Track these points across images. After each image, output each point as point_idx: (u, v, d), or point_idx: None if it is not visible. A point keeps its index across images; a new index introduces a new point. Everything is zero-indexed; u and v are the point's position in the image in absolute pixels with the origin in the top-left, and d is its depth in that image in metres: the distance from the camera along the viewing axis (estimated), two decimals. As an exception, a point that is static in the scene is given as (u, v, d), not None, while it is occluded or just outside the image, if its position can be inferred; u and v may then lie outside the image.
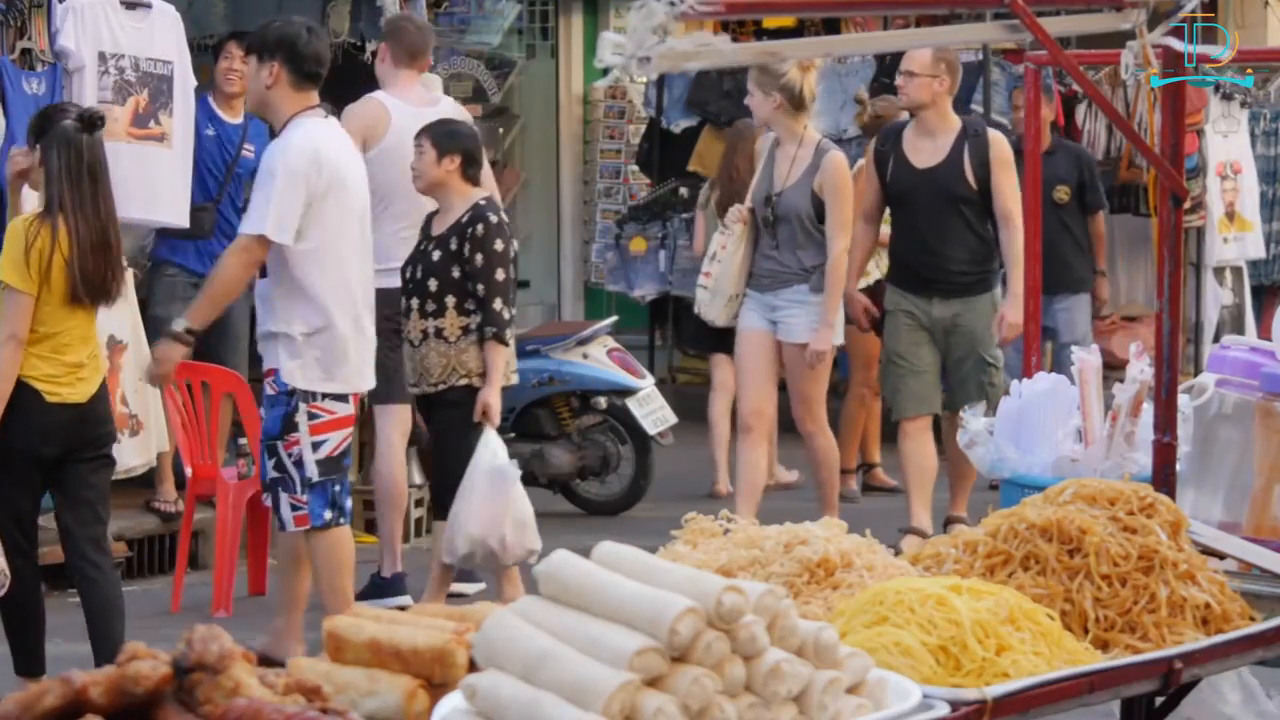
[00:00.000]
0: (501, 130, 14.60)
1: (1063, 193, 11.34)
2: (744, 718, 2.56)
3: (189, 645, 2.50)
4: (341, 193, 6.89)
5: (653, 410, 10.24)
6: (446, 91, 10.71)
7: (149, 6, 8.77)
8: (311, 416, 6.81)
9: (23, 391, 6.39)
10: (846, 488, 11.13)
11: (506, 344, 7.55)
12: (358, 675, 2.71)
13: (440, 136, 7.62)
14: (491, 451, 7.42)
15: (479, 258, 7.48)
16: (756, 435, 8.64)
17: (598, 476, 10.47)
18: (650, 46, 3.29)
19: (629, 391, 10.26)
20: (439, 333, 7.52)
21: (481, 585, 8.56)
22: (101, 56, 8.54)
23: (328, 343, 6.83)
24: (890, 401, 9.30)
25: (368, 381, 7.04)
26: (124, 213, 8.77)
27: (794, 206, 8.52)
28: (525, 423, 10.24)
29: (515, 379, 7.82)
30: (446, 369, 7.51)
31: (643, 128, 14.29)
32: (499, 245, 7.51)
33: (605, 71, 3.36)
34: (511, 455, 10.19)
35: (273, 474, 6.92)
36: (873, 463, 11.52)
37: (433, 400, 7.60)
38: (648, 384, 10.32)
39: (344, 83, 10.61)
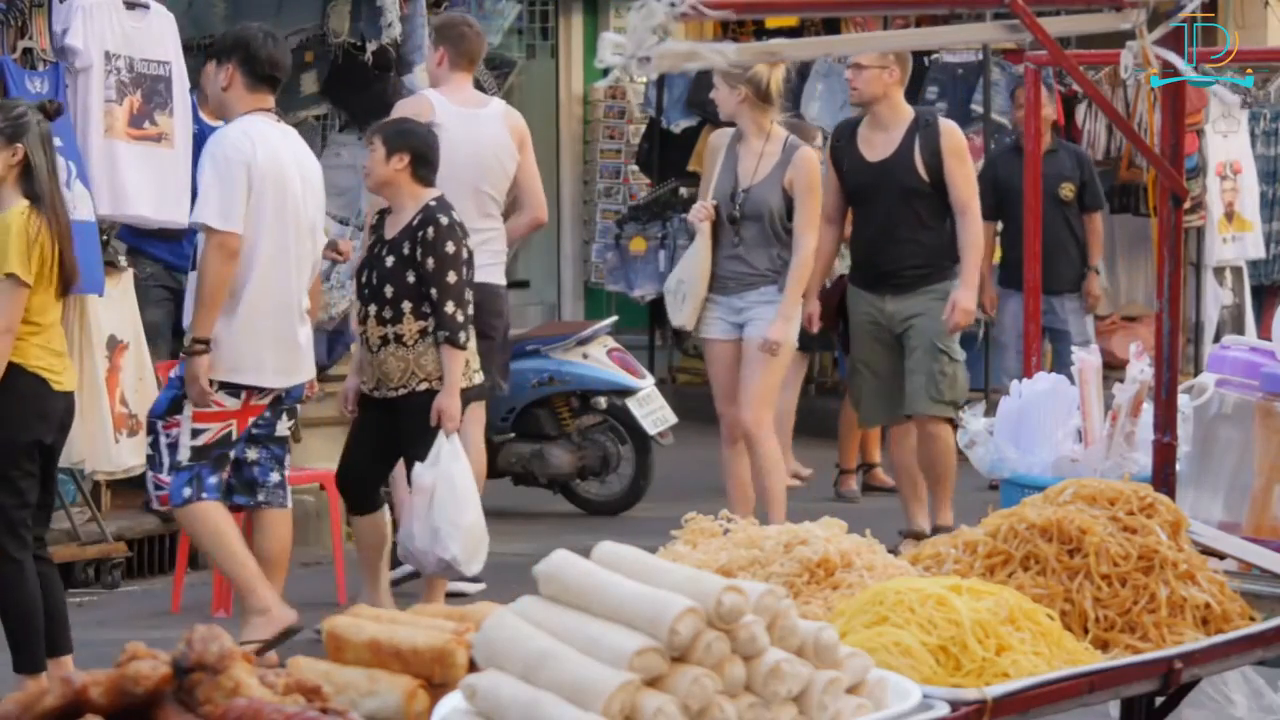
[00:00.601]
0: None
1: (1068, 190, 11.34)
2: (744, 718, 2.56)
3: (189, 645, 2.49)
4: (279, 194, 6.95)
5: (653, 410, 10.24)
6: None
7: (147, 7, 8.78)
8: (197, 404, 6.88)
9: (32, 380, 6.44)
10: (846, 488, 11.15)
11: (462, 347, 7.50)
12: (358, 675, 2.71)
13: (390, 134, 7.59)
14: (432, 456, 7.39)
15: (430, 261, 7.43)
16: (743, 447, 8.45)
17: (598, 476, 10.47)
18: (650, 46, 3.29)
19: (629, 391, 10.25)
20: (398, 338, 7.47)
21: (482, 585, 8.57)
22: (107, 56, 8.54)
23: (233, 336, 6.88)
24: (855, 408, 9.15)
25: (277, 380, 7.02)
26: (127, 211, 8.82)
27: (764, 203, 8.30)
28: (525, 423, 10.24)
29: (478, 378, 7.79)
30: (405, 373, 7.48)
31: (643, 128, 14.29)
32: (450, 248, 7.47)
33: (605, 71, 3.36)
34: (511, 455, 10.31)
35: (148, 451, 7.08)
36: (872, 463, 11.53)
37: (395, 405, 7.54)
38: (648, 384, 10.31)
39: (344, 82, 10.63)
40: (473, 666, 2.66)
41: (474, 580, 8.53)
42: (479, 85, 9.34)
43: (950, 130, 8.68)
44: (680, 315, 8.56)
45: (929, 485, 8.80)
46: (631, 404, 10.21)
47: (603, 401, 10.26)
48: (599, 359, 10.30)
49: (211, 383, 6.90)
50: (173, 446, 6.93)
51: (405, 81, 10.36)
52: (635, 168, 14.68)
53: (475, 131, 8.43)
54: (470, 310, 7.60)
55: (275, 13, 10.65)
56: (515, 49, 14.84)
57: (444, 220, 7.48)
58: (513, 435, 10.26)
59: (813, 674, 2.62)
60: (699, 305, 8.45)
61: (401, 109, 8.42)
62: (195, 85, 9.19)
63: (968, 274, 8.56)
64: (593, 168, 15.38)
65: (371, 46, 10.25)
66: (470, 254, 7.64)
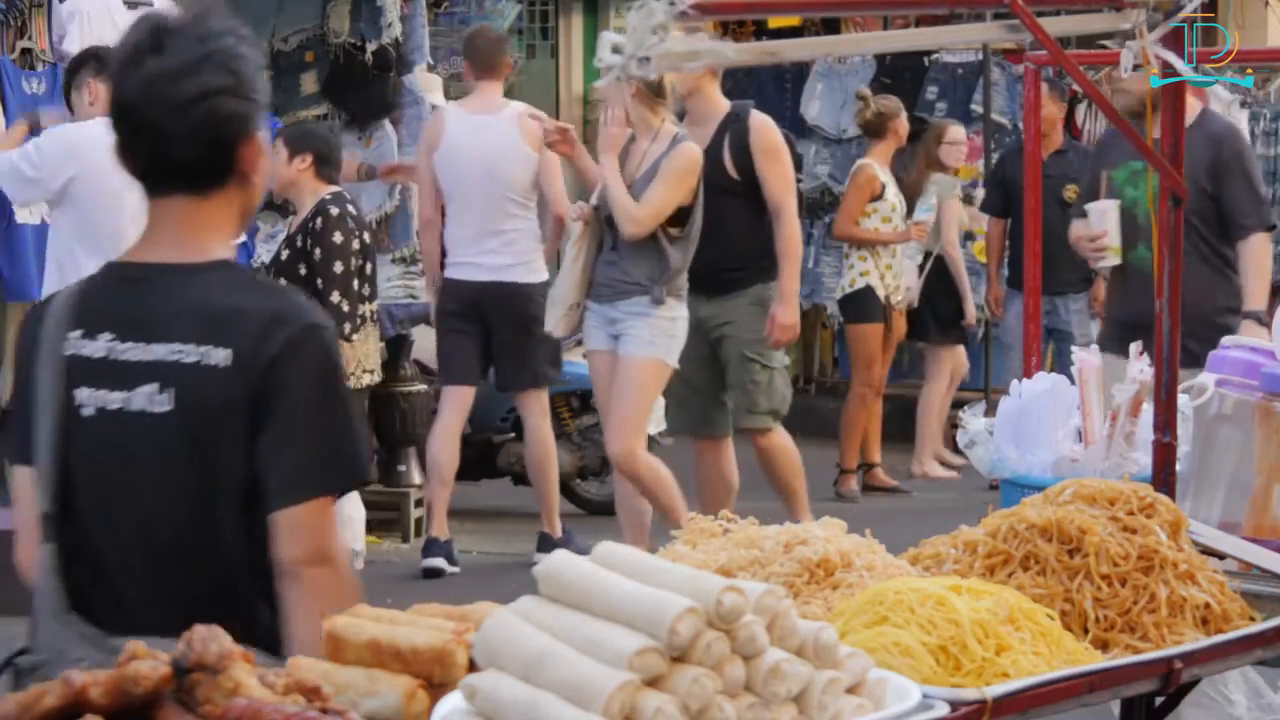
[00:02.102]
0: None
1: (1072, 192, 11.33)
2: (744, 717, 2.55)
3: (189, 645, 2.50)
4: (110, 198, 7.04)
5: (665, 405, 10.23)
6: (447, 93, 10.83)
7: (150, 5, 8.79)
8: None
9: None
10: (846, 488, 11.17)
11: (347, 340, 7.54)
12: (357, 675, 2.71)
13: (292, 138, 7.81)
14: None
15: (318, 251, 7.55)
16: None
17: (598, 476, 10.48)
18: (650, 46, 3.29)
19: (629, 391, 10.23)
20: None
21: (457, 569, 8.80)
22: None
23: None
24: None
25: None
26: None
27: None
28: (527, 424, 10.25)
29: (368, 379, 7.83)
30: None
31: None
32: (338, 238, 7.56)
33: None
34: (511, 455, 10.32)
35: None
36: (872, 463, 11.56)
37: None
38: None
39: (344, 82, 10.64)
40: (473, 666, 2.66)
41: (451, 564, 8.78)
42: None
43: (761, 126, 8.24)
44: (548, 321, 8.18)
45: (781, 497, 8.36)
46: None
47: (603, 401, 10.26)
48: (599, 359, 10.29)
49: None
50: None
51: (405, 81, 10.40)
52: (635, 168, 14.66)
53: (484, 138, 8.65)
54: (365, 304, 7.65)
55: (275, 13, 10.66)
56: (515, 49, 14.85)
57: (334, 211, 7.60)
58: (513, 435, 10.26)
59: (813, 674, 2.62)
60: (565, 311, 8.04)
61: (424, 127, 8.95)
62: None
63: (785, 283, 8.15)
64: (593, 167, 15.37)
65: (371, 46, 10.27)
66: (365, 246, 7.70)
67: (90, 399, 3.21)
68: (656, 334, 7.85)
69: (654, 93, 7.81)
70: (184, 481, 3.19)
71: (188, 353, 3.17)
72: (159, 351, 3.18)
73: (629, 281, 7.86)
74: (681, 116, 8.27)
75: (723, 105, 8.32)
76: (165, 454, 3.18)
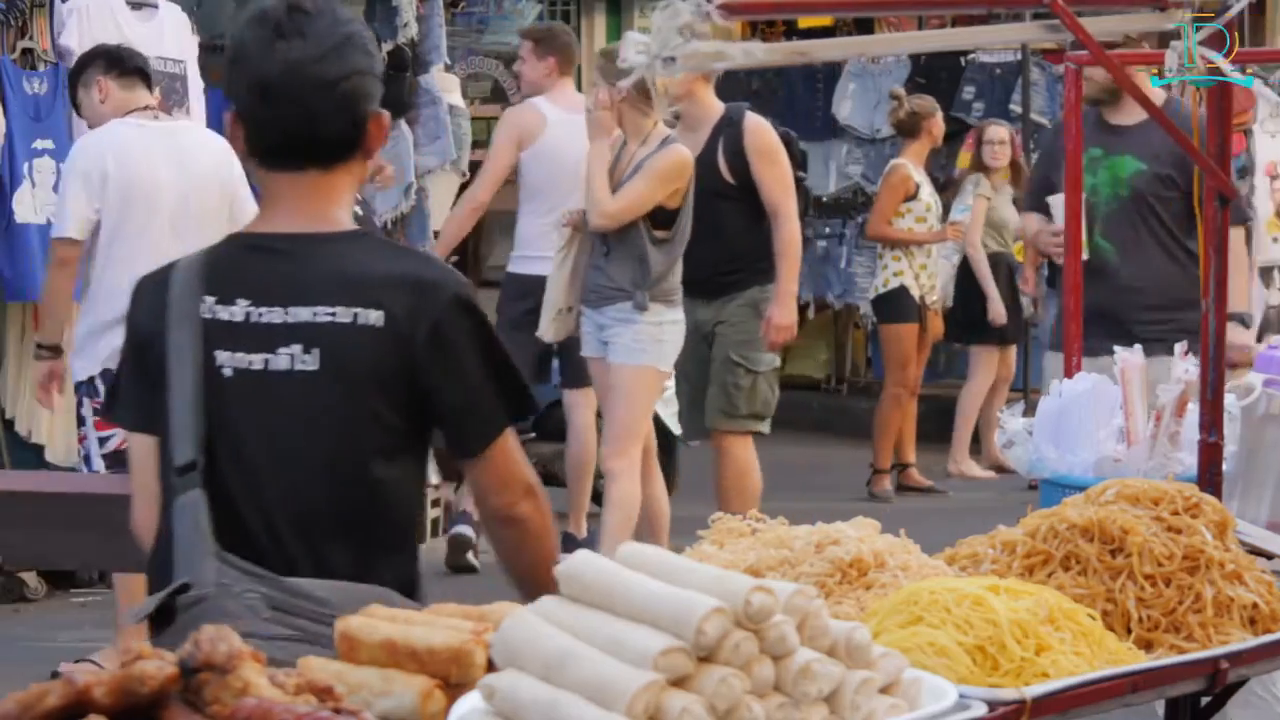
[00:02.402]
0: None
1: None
2: (773, 717, 2.48)
3: (196, 644, 2.43)
4: (144, 196, 6.99)
5: (678, 410, 10.15)
6: (464, 93, 10.80)
7: (155, 6, 8.74)
8: (96, 411, 6.97)
9: None
10: (880, 488, 11.11)
11: None
12: (371, 675, 2.65)
13: None
14: None
15: None
16: (644, 468, 8.11)
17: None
18: (675, 46, 3.22)
19: (653, 391, 10.17)
20: None
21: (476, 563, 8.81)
22: None
23: (109, 339, 6.82)
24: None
25: None
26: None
27: None
28: (547, 423, 10.12)
29: None
30: None
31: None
32: None
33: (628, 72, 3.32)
34: (533, 456, 10.22)
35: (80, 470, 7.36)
36: (907, 463, 11.51)
37: None
38: (672, 384, 10.21)
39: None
40: (491, 667, 2.59)
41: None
42: (499, 87, 9.46)
43: (756, 128, 8.15)
44: (541, 325, 8.18)
45: (724, 505, 8.08)
46: (657, 404, 10.11)
47: (625, 401, 10.18)
48: (622, 359, 10.22)
49: (97, 389, 6.94)
50: (87, 459, 7.07)
51: (422, 81, 10.34)
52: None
53: (583, 139, 8.56)
54: None
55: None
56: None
57: None
58: (534, 435, 10.18)
59: (845, 674, 2.54)
60: (555, 316, 8.06)
61: (511, 118, 8.92)
62: (210, 84, 9.20)
63: (782, 284, 8.08)
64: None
65: (387, 46, 10.20)
66: None
67: (229, 361, 3.29)
68: (643, 340, 7.80)
69: (645, 96, 7.67)
70: (327, 438, 3.28)
71: (339, 314, 3.27)
72: (302, 314, 3.27)
73: (613, 287, 7.83)
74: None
75: (716, 109, 8.21)
76: (309, 412, 3.27)
